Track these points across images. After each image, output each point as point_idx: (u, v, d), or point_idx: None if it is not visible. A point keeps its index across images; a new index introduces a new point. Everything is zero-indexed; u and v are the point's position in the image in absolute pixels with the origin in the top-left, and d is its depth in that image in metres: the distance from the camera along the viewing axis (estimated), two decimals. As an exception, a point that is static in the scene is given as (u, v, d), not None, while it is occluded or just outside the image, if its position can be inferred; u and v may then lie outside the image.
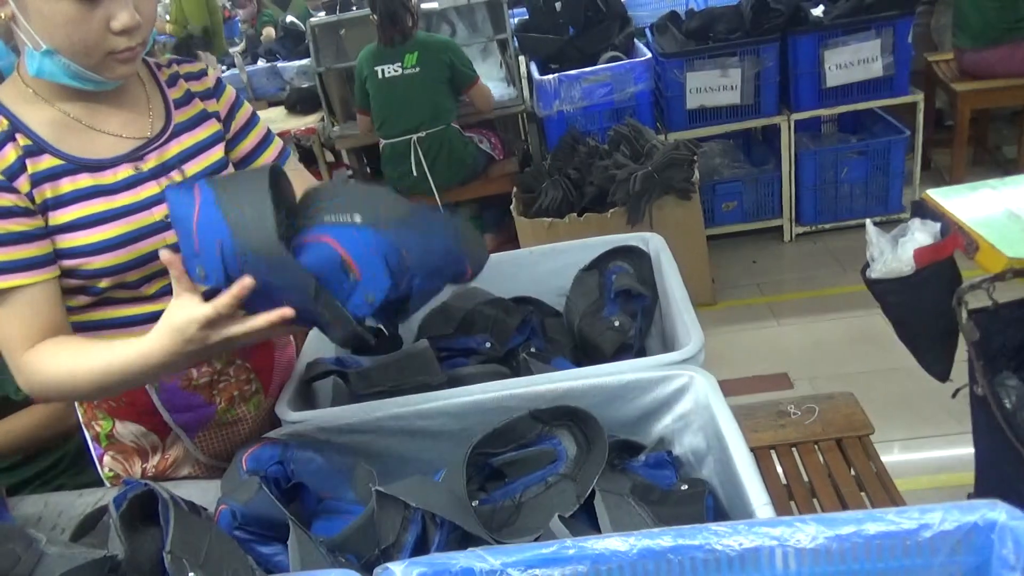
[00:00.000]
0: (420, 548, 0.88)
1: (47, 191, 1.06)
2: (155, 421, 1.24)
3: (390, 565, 0.65)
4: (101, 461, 1.31)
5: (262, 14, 5.93)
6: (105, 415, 1.25)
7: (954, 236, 1.34)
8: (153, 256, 1.12)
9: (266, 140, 1.31)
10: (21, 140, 1.05)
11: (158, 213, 1.12)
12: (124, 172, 1.11)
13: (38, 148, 1.06)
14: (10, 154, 1.03)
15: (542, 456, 1.04)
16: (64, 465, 1.65)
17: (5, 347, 1.06)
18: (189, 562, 0.69)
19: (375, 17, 3.27)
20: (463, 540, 0.88)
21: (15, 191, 1.03)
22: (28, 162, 1.05)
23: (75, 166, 1.08)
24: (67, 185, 1.07)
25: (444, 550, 0.86)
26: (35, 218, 1.05)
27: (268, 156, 1.30)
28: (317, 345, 1.36)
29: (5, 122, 1.05)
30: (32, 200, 1.05)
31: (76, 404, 1.31)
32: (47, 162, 1.06)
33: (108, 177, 1.10)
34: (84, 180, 1.08)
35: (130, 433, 1.26)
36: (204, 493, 1.17)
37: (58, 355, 1.05)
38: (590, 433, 1.02)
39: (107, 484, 1.33)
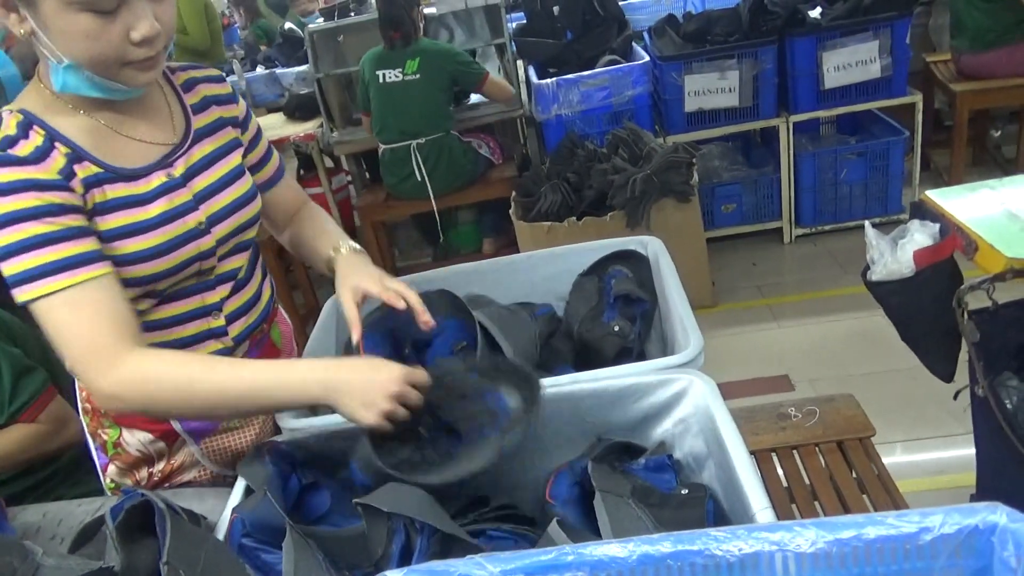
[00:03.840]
0: (406, 557, 0.89)
1: (96, 196, 1.06)
2: (163, 428, 1.24)
3: (388, 573, 0.65)
4: (105, 470, 1.31)
5: (254, 23, 5.94)
6: (112, 423, 1.25)
7: (953, 237, 1.34)
8: (186, 264, 1.13)
9: (267, 156, 1.32)
10: (62, 148, 1.04)
11: (191, 221, 1.13)
12: (157, 180, 1.11)
13: (77, 156, 1.05)
14: (59, 159, 1.03)
15: (486, 413, 1.06)
16: (61, 476, 1.64)
17: (93, 336, 0.99)
18: (186, 572, 0.68)
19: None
20: (444, 543, 0.89)
21: (71, 190, 1.03)
22: (76, 167, 1.04)
23: (112, 175, 1.08)
24: (109, 192, 1.07)
25: (427, 555, 0.87)
26: (86, 217, 1.04)
27: (267, 171, 1.32)
28: (317, 354, 1.35)
29: (42, 132, 1.04)
30: (85, 202, 1.04)
31: (81, 413, 1.30)
32: (90, 169, 1.06)
33: (142, 186, 1.10)
34: (121, 189, 1.08)
35: (137, 441, 1.25)
36: (203, 501, 1.17)
37: (190, 363, 1.04)
38: (529, 393, 1.03)
39: (108, 493, 1.33)
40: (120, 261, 1.07)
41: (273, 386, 1.01)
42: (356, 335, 1.14)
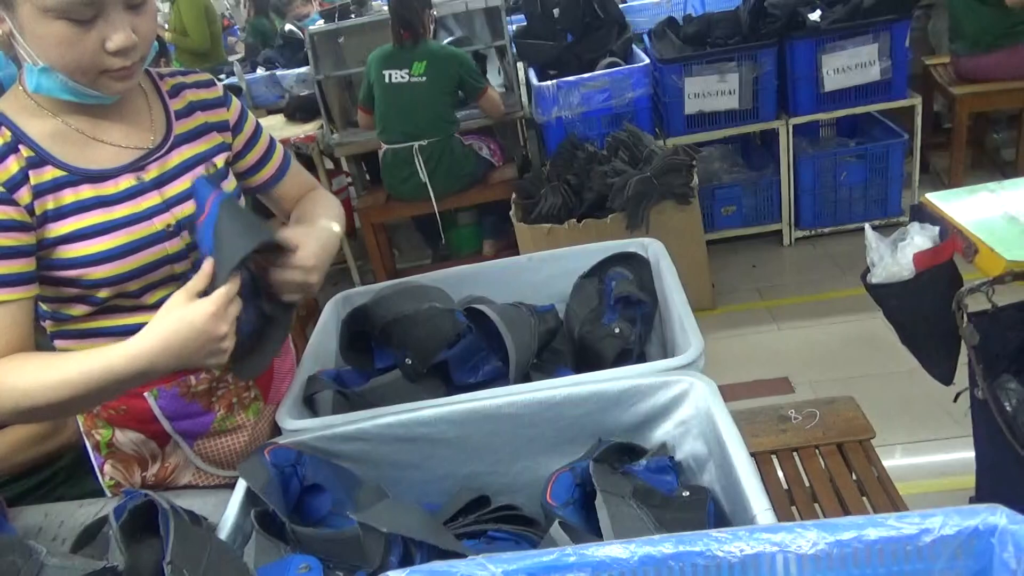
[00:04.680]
0: (405, 565, 0.88)
1: (49, 202, 1.06)
2: (154, 429, 1.24)
3: (391, 573, 0.65)
4: (102, 470, 1.31)
5: (253, 19, 5.95)
6: (105, 424, 1.26)
7: (953, 240, 1.34)
8: (154, 266, 1.13)
9: (268, 154, 1.31)
10: (24, 152, 1.05)
11: (159, 223, 1.12)
12: (126, 182, 1.11)
13: (40, 160, 1.06)
14: (12, 166, 1.03)
15: None
16: (62, 476, 1.64)
17: None
18: (189, 572, 0.69)
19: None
20: (443, 556, 0.89)
21: (14, 204, 1.03)
22: (31, 174, 1.04)
23: (77, 177, 1.08)
24: (69, 196, 1.07)
25: None
26: (29, 233, 1.04)
27: (270, 169, 1.31)
28: (317, 355, 1.36)
29: (8, 133, 1.04)
30: (32, 212, 1.04)
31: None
32: (50, 173, 1.06)
33: (109, 188, 1.10)
34: (86, 191, 1.08)
35: (130, 441, 1.26)
36: (204, 502, 1.17)
37: (24, 366, 0.99)
38: None
39: (108, 493, 1.33)
40: (82, 262, 1.07)
41: (103, 376, 0.98)
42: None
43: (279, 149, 1.34)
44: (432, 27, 3.43)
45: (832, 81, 3.30)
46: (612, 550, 0.64)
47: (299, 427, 1.14)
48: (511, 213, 3.20)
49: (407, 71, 3.32)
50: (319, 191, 1.38)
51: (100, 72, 1.02)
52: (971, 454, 1.48)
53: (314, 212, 1.28)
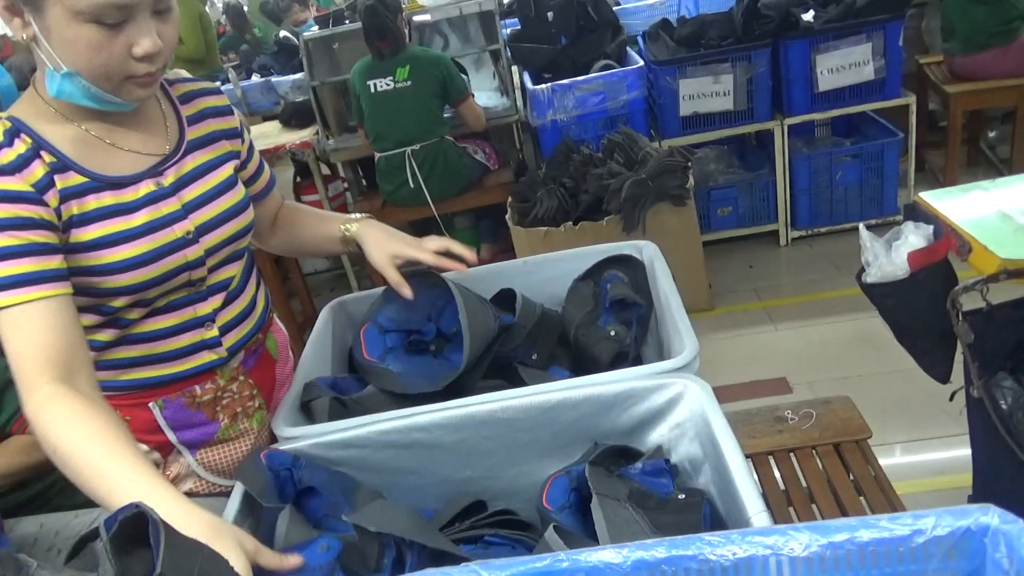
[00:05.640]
0: (398, 568, 0.89)
1: (74, 208, 1.06)
2: (158, 439, 1.24)
3: (383, 582, 0.65)
4: (100, 479, 1.30)
5: (226, 37, 5.97)
6: (108, 434, 1.24)
7: (947, 238, 1.34)
8: (173, 273, 1.13)
9: (259, 170, 1.34)
10: (46, 157, 1.04)
11: (179, 230, 1.13)
12: (146, 188, 1.12)
13: (63, 166, 1.05)
14: (38, 169, 1.03)
15: None
16: (59, 487, 1.64)
17: (22, 361, 0.98)
18: (181, 583, 0.68)
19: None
20: (437, 556, 0.90)
21: (44, 204, 1.02)
22: (56, 178, 1.04)
23: (100, 184, 1.08)
24: (92, 202, 1.07)
25: (418, 567, 0.87)
26: (57, 233, 1.04)
27: (259, 185, 1.33)
28: (313, 362, 1.35)
29: (29, 140, 1.04)
30: (59, 216, 1.04)
31: None
32: (74, 179, 1.06)
33: (129, 195, 1.10)
34: (107, 198, 1.08)
35: (132, 452, 1.25)
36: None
37: (76, 428, 0.93)
38: None
39: (104, 503, 1.33)
40: (104, 270, 1.07)
41: (105, 500, 0.90)
42: (408, 293, 1.28)
43: (266, 168, 1.37)
44: (408, 31, 3.43)
45: (826, 81, 3.31)
46: (605, 555, 0.63)
47: (295, 434, 1.13)
48: (507, 216, 3.20)
49: (391, 78, 3.32)
50: (292, 203, 1.46)
51: (125, 78, 1.02)
52: (969, 452, 1.47)
53: (322, 217, 1.41)
